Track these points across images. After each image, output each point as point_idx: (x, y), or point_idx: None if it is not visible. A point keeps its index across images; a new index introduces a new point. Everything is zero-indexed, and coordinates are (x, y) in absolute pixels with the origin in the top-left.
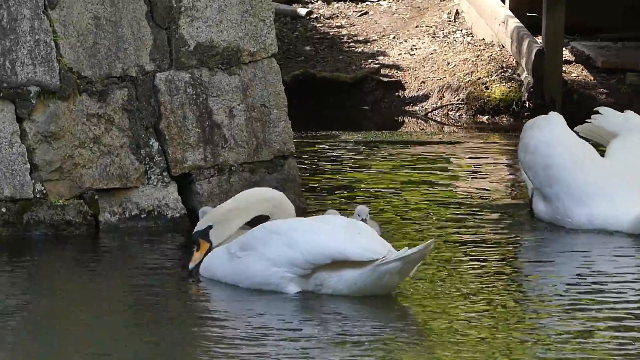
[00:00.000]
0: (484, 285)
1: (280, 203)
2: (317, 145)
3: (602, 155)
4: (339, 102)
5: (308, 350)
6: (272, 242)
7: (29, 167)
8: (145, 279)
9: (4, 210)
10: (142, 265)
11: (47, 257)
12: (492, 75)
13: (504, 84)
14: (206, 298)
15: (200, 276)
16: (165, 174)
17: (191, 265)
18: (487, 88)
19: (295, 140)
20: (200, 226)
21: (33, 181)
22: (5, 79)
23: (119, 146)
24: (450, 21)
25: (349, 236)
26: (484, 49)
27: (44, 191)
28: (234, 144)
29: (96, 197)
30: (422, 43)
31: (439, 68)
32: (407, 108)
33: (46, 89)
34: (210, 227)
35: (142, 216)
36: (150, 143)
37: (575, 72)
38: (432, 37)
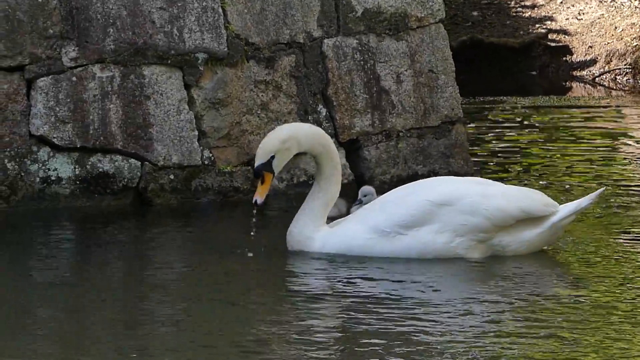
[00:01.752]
0: None
1: (329, 146)
2: (484, 111)
3: None
4: (506, 67)
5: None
6: (446, 213)
7: (197, 134)
8: None
9: (172, 177)
10: None
11: (215, 223)
12: None
13: None
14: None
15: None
16: (333, 140)
17: (259, 198)
18: None
19: (462, 106)
20: (260, 159)
21: (201, 148)
22: (173, 46)
23: (287, 112)
24: None
25: (522, 194)
26: None
27: (212, 158)
28: (401, 109)
29: None
30: (589, 8)
31: (606, 32)
32: (574, 73)
33: (214, 55)
34: (272, 157)
35: (310, 182)
36: (318, 109)
37: None
38: (599, 1)
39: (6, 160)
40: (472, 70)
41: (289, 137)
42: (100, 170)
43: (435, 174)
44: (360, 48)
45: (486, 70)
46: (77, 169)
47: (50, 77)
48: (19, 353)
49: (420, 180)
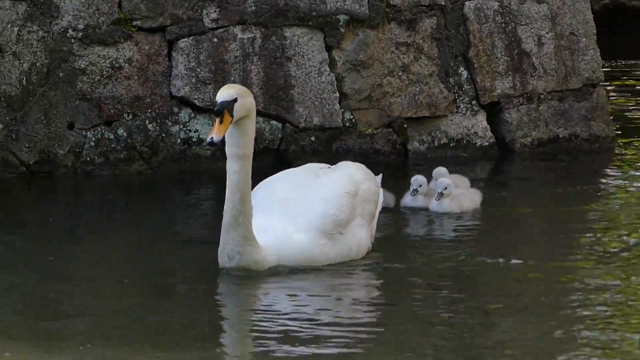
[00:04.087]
0: None
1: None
2: (626, 75)
3: None
4: None
5: None
6: (359, 204)
7: (338, 95)
8: None
9: (313, 138)
10: None
11: None
12: None
13: None
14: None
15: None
16: (474, 102)
17: (215, 137)
18: None
19: (603, 70)
20: (224, 97)
21: (342, 110)
22: (315, 8)
23: (428, 75)
24: None
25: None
26: None
27: (353, 120)
28: (542, 72)
29: (405, 125)
30: None
31: None
32: None
33: (355, 17)
34: (235, 99)
35: (451, 145)
36: (459, 71)
37: None
38: None
39: (147, 122)
40: (614, 34)
41: (249, 93)
42: None
43: (577, 137)
44: (501, 10)
45: (628, 33)
46: None
47: (191, 38)
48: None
49: (286, 172)
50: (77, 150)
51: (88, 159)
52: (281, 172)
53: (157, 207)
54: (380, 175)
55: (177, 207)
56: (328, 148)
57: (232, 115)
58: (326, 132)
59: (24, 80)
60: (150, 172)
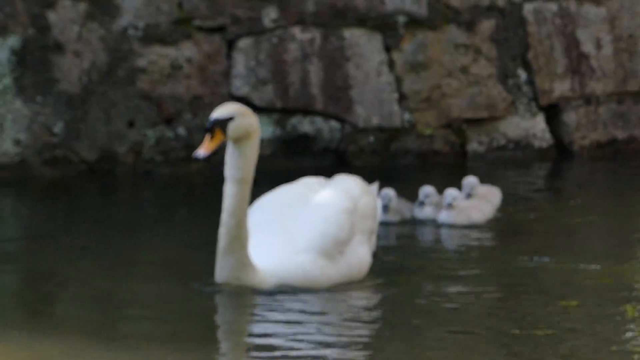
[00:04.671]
0: None
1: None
2: None
3: None
4: None
5: None
6: (358, 220)
7: (397, 96)
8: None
9: (372, 139)
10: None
11: (414, 187)
12: None
13: None
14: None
15: None
16: (532, 104)
17: (202, 153)
18: None
19: None
20: (219, 114)
21: (401, 110)
22: (374, 9)
23: (487, 76)
24: None
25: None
26: None
27: (412, 120)
28: (601, 74)
29: (464, 126)
30: None
31: None
32: None
33: (414, 18)
34: (231, 118)
35: (509, 146)
36: (518, 73)
37: None
38: None
39: (207, 121)
40: None
41: (251, 114)
42: (301, 131)
43: (635, 139)
44: (560, 12)
45: None
46: (277, 130)
47: (250, 38)
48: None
49: (281, 189)
50: (137, 148)
51: (148, 157)
52: (277, 189)
53: (215, 207)
54: (377, 184)
55: None
56: (387, 148)
57: (224, 134)
58: (385, 132)
59: (84, 79)
60: (208, 171)
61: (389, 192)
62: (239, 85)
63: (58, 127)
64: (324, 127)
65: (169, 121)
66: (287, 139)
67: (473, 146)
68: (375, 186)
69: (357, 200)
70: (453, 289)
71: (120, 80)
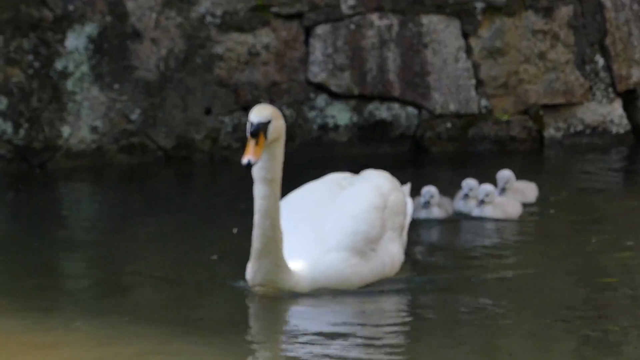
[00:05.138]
0: None
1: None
2: None
3: None
4: None
5: None
6: (388, 217)
7: (474, 82)
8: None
9: (449, 125)
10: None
11: (491, 173)
12: None
13: None
14: None
15: None
16: (610, 89)
17: (252, 158)
18: None
19: None
20: (260, 118)
21: (478, 96)
22: None
23: (564, 62)
24: None
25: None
26: None
27: (489, 107)
28: None
29: (541, 112)
30: None
31: None
32: None
33: (492, 4)
34: (269, 122)
35: (587, 132)
36: (595, 59)
37: None
38: None
39: (284, 107)
40: None
41: (281, 116)
42: (378, 118)
43: None
44: (638, 0)
45: None
46: (354, 117)
47: (328, 24)
48: None
49: (308, 186)
50: (214, 135)
51: (225, 144)
52: (303, 186)
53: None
54: (409, 185)
55: None
56: (464, 135)
57: (266, 137)
58: (462, 118)
59: (161, 66)
60: (286, 158)
61: (431, 188)
62: (316, 72)
63: (135, 115)
64: (401, 114)
65: (246, 108)
66: (364, 125)
67: (550, 132)
68: (407, 186)
69: (387, 196)
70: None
71: (198, 68)
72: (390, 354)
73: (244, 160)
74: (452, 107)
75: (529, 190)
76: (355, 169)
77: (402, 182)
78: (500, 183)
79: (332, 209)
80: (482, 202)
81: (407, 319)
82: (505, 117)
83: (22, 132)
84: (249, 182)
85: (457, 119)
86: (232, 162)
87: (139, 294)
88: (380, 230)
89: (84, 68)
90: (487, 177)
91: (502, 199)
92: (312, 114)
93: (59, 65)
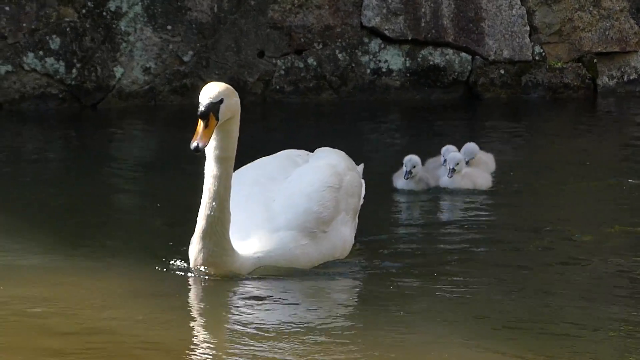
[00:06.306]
0: None
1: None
2: None
3: None
4: None
5: None
6: (342, 198)
7: (529, 29)
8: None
9: (502, 71)
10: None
11: (544, 121)
12: None
13: None
14: None
15: None
16: None
17: (200, 143)
18: None
19: None
20: (210, 98)
21: (532, 43)
22: None
23: (619, 10)
24: None
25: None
26: None
27: (543, 54)
28: None
29: (595, 60)
30: None
31: None
32: None
33: None
34: (221, 101)
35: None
36: None
37: None
38: None
39: (337, 51)
40: None
41: (235, 93)
42: (431, 63)
43: None
44: None
45: None
46: (407, 62)
47: None
48: None
49: (261, 160)
50: (267, 78)
51: (277, 87)
52: (256, 161)
53: (345, 135)
54: (362, 165)
55: (363, 135)
56: (517, 81)
57: (217, 119)
58: (516, 65)
59: (215, 8)
60: (338, 101)
61: (413, 157)
62: (370, 17)
63: (188, 56)
64: (454, 59)
65: (299, 51)
66: (417, 70)
67: (603, 80)
68: (361, 166)
69: (343, 176)
70: None
71: (251, 10)
72: (335, 342)
73: (192, 144)
74: (506, 54)
75: (491, 161)
76: (408, 115)
77: (454, 130)
78: (466, 156)
79: (284, 186)
80: (452, 171)
81: (353, 302)
82: (558, 65)
83: (74, 72)
84: (300, 124)
85: (511, 66)
86: (284, 105)
87: (184, 232)
88: (334, 211)
89: (137, 8)
90: (541, 126)
91: (470, 169)
92: (365, 59)
93: (112, 5)
